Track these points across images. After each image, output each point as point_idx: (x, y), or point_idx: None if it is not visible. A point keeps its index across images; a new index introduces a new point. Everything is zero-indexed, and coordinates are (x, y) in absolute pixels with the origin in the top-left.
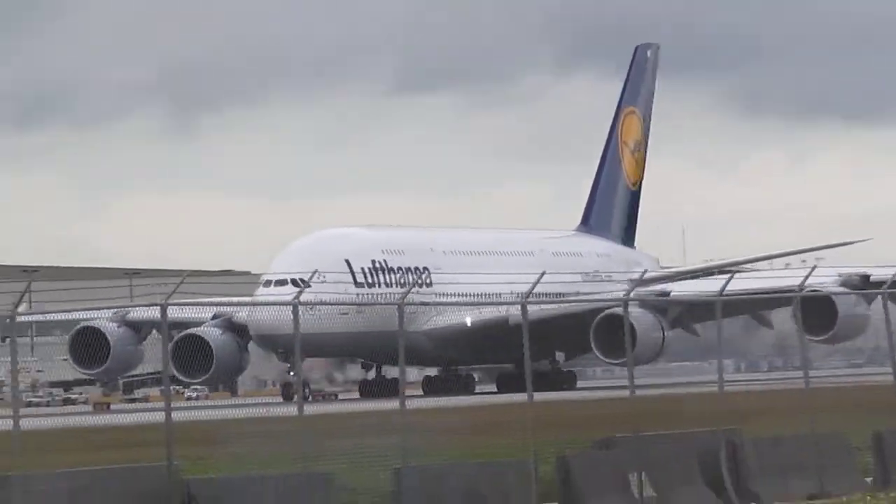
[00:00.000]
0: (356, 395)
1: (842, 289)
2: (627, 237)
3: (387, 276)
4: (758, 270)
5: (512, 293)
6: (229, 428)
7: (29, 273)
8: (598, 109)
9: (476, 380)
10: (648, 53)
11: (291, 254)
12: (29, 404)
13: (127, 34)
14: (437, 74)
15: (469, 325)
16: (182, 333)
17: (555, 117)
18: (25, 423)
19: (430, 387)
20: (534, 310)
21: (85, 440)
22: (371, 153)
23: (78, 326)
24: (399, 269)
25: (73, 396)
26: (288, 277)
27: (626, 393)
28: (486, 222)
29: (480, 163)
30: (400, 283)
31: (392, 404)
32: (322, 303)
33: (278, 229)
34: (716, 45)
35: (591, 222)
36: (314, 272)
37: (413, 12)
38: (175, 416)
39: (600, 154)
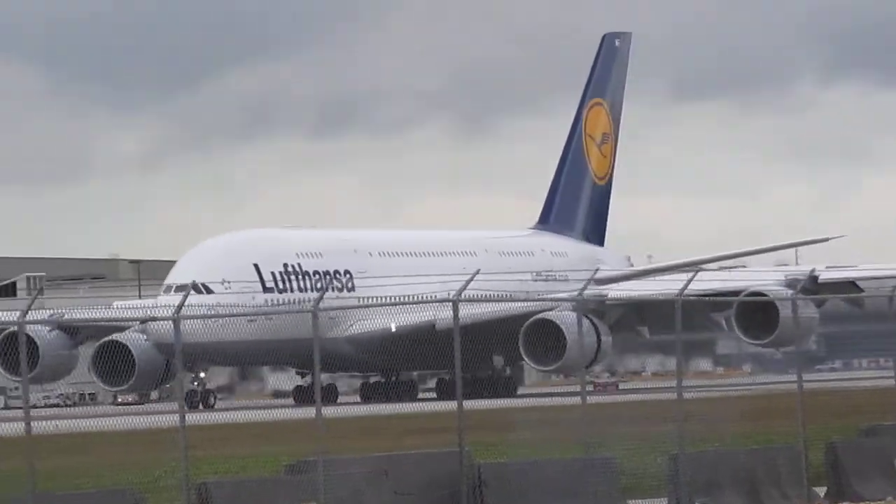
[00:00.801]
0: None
1: (783, 290)
2: (595, 234)
3: (301, 281)
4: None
5: (449, 294)
6: (517, 415)
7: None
8: (865, 117)
9: (417, 386)
10: (617, 42)
11: (195, 257)
12: None
13: (422, 44)
14: (709, 82)
15: (394, 330)
16: (103, 340)
17: (821, 124)
18: (327, 411)
19: (367, 394)
20: (462, 313)
21: (381, 427)
22: (643, 158)
23: (5, 332)
24: (315, 273)
25: None
26: (189, 282)
27: (891, 383)
28: (746, 225)
29: (747, 168)
30: (316, 288)
31: (665, 395)
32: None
33: None
34: None
35: (550, 220)
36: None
37: (683, 19)
38: (467, 404)
39: (561, 148)
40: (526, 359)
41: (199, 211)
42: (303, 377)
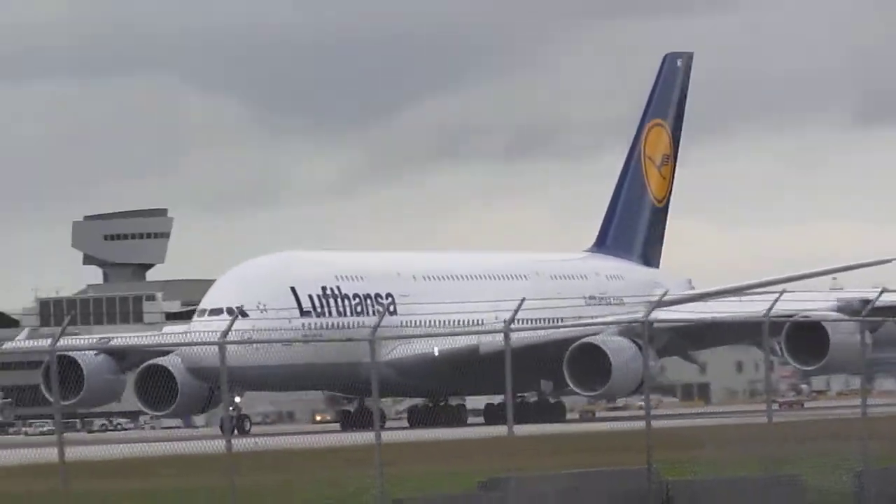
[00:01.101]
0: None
1: (836, 314)
2: (652, 257)
3: (340, 305)
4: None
5: (497, 320)
6: (703, 434)
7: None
8: None
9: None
10: (678, 63)
11: (231, 280)
12: None
13: (610, 70)
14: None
15: (437, 354)
16: (146, 364)
17: None
18: (518, 429)
19: (414, 418)
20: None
21: (571, 445)
22: (825, 184)
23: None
24: (356, 296)
25: None
26: (224, 306)
27: None
28: None
29: None
30: (356, 312)
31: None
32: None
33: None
34: None
35: (607, 242)
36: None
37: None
38: (653, 423)
39: (620, 169)
40: (570, 384)
41: (392, 235)
42: (349, 402)
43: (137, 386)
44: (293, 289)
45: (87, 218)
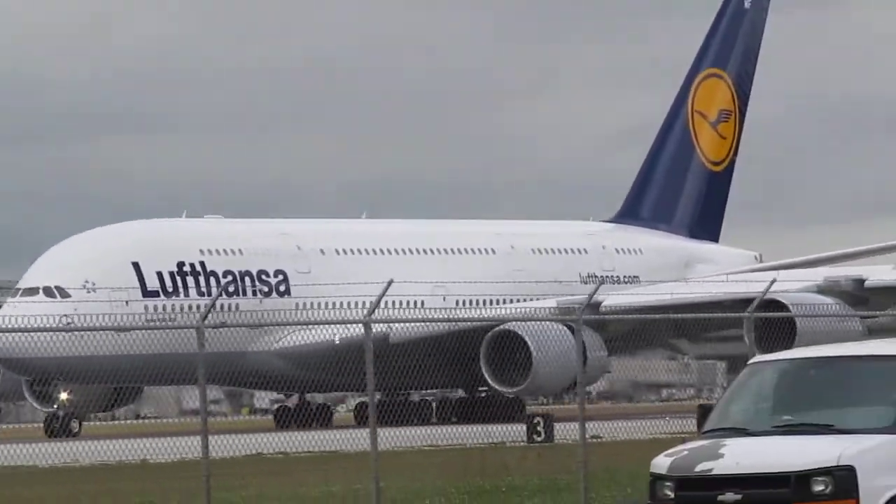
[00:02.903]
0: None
1: (813, 295)
2: (704, 229)
3: (204, 283)
4: None
5: (446, 299)
6: None
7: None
8: None
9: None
10: (747, 3)
11: (56, 254)
12: None
13: None
14: None
15: (338, 342)
16: None
17: None
18: None
19: (360, 415)
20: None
21: None
22: None
23: None
24: (227, 273)
25: None
26: (41, 285)
27: None
28: None
29: None
30: (227, 292)
31: None
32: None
33: None
34: None
35: (640, 211)
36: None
37: None
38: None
39: (659, 127)
40: (488, 378)
41: None
42: (287, 397)
43: None
44: (136, 264)
45: None
